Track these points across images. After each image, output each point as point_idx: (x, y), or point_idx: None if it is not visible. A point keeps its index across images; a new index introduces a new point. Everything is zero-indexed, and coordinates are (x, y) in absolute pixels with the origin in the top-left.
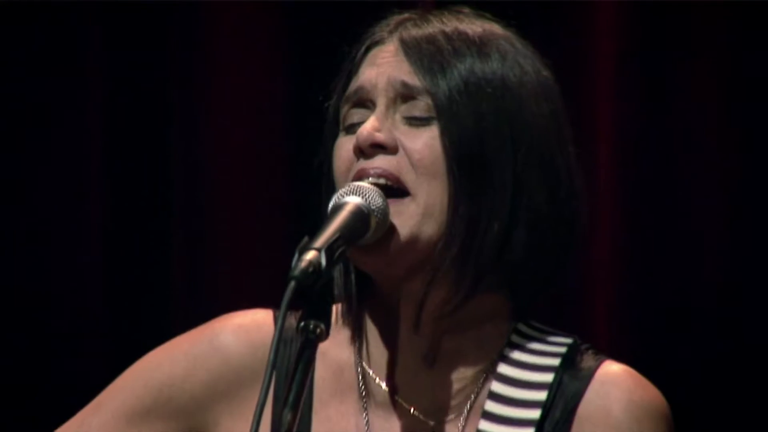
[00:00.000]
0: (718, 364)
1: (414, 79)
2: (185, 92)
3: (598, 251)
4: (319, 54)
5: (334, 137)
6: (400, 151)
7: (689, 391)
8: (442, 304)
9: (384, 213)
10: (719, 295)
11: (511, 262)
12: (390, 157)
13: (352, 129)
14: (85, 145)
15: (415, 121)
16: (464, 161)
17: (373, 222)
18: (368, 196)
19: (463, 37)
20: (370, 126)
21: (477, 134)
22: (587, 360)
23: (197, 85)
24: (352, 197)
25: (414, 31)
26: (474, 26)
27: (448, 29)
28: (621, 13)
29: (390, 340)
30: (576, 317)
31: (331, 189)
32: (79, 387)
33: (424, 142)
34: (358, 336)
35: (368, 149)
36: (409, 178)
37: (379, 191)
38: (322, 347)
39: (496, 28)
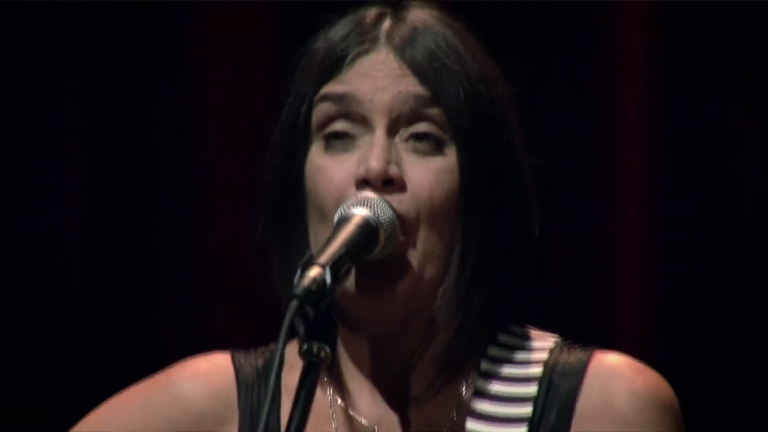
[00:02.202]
0: (752, 372)
1: (426, 91)
2: (174, 101)
3: (626, 258)
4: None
5: (305, 143)
6: (408, 188)
7: (718, 397)
8: (440, 347)
9: (393, 226)
10: (753, 302)
11: (509, 298)
12: (395, 196)
13: (335, 145)
14: (66, 152)
15: (420, 147)
16: (473, 199)
17: (382, 236)
18: (376, 208)
19: (452, 46)
20: (381, 159)
21: (489, 160)
22: (576, 354)
23: (188, 91)
24: (359, 209)
25: (401, 36)
26: (442, 20)
27: (437, 29)
28: (648, 13)
29: (371, 374)
30: (603, 323)
31: (317, 210)
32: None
33: (434, 178)
34: (330, 368)
35: (379, 184)
36: (411, 215)
37: (388, 203)
38: (287, 381)
39: (452, 18)
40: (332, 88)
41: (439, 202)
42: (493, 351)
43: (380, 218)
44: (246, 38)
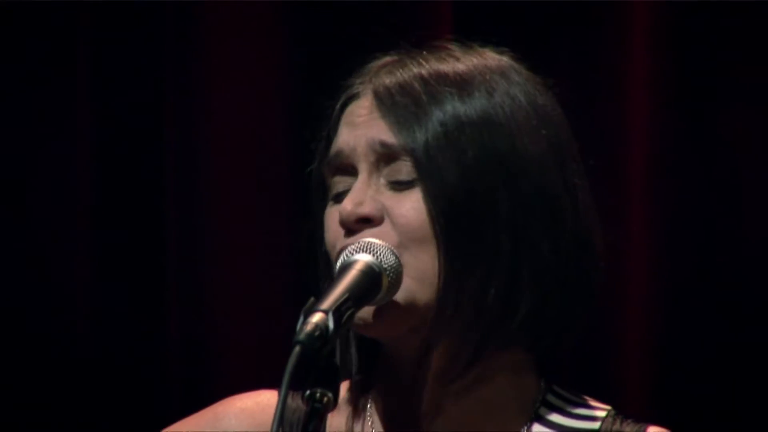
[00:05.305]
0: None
1: (392, 138)
2: (182, 104)
3: (631, 259)
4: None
5: (323, 205)
6: (386, 219)
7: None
8: (446, 368)
9: (397, 272)
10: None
11: (518, 319)
12: (375, 229)
13: (339, 198)
14: (74, 156)
15: (399, 186)
16: (452, 221)
17: (385, 281)
18: (379, 254)
19: (442, 78)
20: (352, 200)
21: (464, 189)
22: (629, 427)
23: (195, 98)
24: (361, 255)
25: (388, 80)
26: (457, 63)
27: (425, 72)
28: (656, 16)
29: (398, 412)
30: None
31: (326, 262)
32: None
33: (409, 206)
34: (363, 410)
35: (354, 225)
36: (393, 245)
37: (392, 248)
38: (332, 423)
39: (485, 58)
40: (330, 151)
41: (417, 226)
42: (551, 398)
43: (383, 264)
44: (254, 40)
